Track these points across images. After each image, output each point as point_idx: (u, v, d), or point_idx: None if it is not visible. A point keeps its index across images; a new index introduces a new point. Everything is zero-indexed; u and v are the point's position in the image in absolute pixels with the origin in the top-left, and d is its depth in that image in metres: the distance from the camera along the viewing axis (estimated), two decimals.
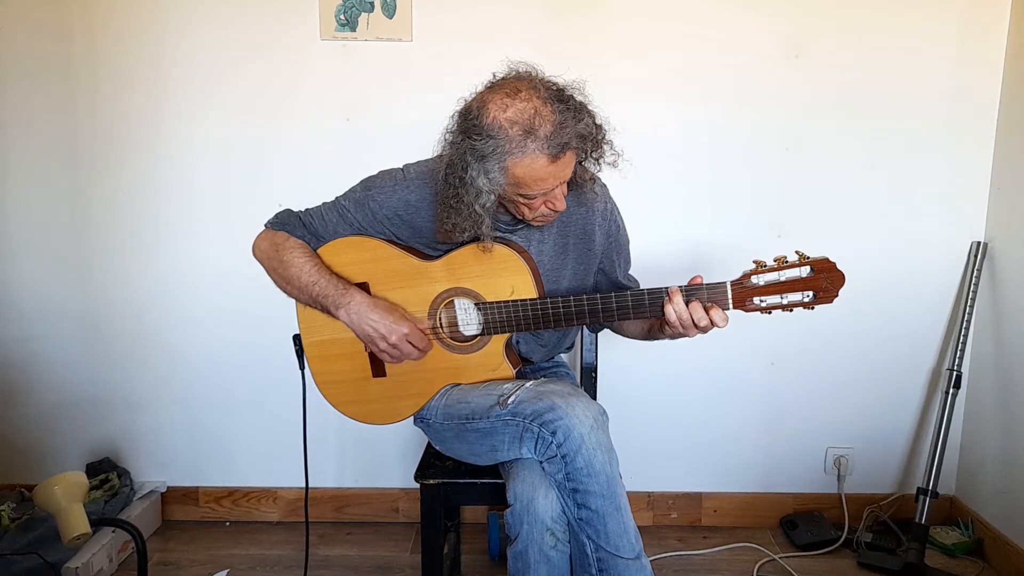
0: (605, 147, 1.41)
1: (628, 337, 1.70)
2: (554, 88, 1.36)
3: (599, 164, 1.45)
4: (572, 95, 1.37)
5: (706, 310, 1.39)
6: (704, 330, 1.41)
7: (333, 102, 2.18)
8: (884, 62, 2.13)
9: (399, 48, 2.15)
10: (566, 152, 1.34)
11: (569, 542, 1.39)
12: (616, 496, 1.36)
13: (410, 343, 1.50)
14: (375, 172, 1.58)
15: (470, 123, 1.34)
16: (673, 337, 1.49)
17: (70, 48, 2.16)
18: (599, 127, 1.39)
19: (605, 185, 1.60)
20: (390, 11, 2.13)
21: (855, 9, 2.12)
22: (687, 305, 1.39)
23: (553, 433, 1.35)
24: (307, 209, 1.61)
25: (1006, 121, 2.13)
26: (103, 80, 2.17)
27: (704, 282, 1.41)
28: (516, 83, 1.35)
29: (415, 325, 1.52)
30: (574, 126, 1.33)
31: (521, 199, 1.41)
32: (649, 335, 1.60)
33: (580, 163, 1.43)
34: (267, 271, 1.59)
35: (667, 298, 1.41)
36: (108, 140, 2.20)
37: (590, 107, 1.39)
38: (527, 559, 1.37)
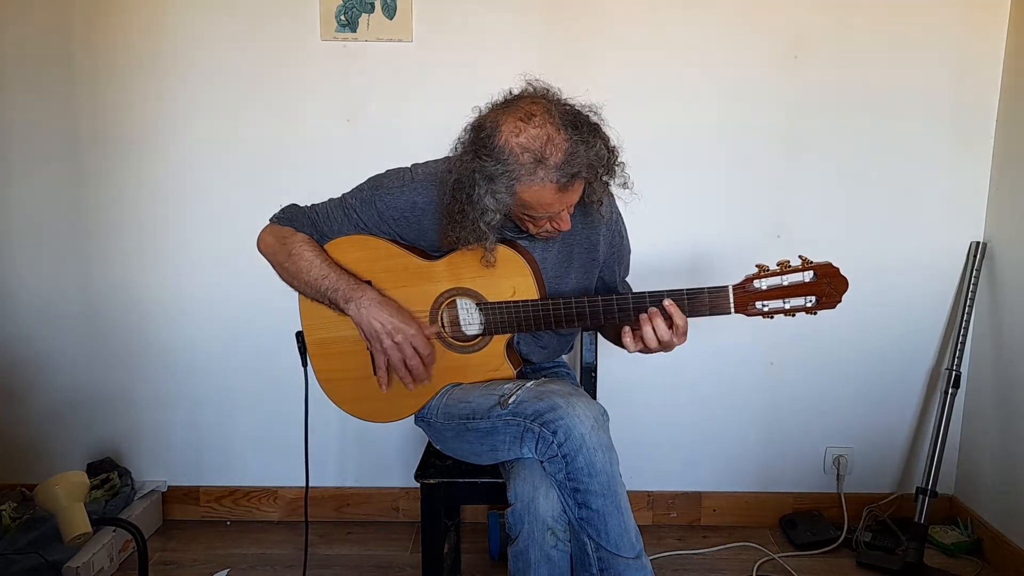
0: (616, 170, 1.41)
1: (604, 338, 1.69)
2: (569, 112, 1.35)
3: (608, 187, 1.44)
4: (588, 117, 1.37)
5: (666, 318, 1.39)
6: (679, 333, 1.40)
7: (333, 103, 2.18)
8: (884, 62, 2.14)
9: (399, 49, 2.15)
10: (575, 181, 1.35)
11: (570, 541, 1.40)
12: (617, 496, 1.36)
13: (413, 347, 1.49)
14: (381, 171, 1.58)
15: (481, 142, 1.34)
16: (642, 351, 1.46)
17: (71, 48, 2.16)
18: (612, 151, 1.38)
19: (612, 194, 1.58)
20: (390, 12, 2.13)
21: (855, 10, 2.12)
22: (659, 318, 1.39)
23: (554, 433, 1.35)
24: (313, 205, 1.61)
25: (1005, 121, 2.14)
26: (103, 80, 2.18)
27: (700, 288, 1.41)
28: (531, 106, 1.35)
29: (421, 329, 1.51)
30: (585, 154, 1.32)
31: (527, 217, 1.43)
32: (617, 341, 1.58)
33: (589, 184, 1.42)
34: (272, 264, 1.60)
35: (646, 316, 1.40)
36: (109, 140, 2.20)
37: (604, 130, 1.38)
38: (528, 558, 1.38)
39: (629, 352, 1.46)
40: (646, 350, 1.43)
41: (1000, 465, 2.14)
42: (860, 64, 2.14)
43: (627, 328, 1.44)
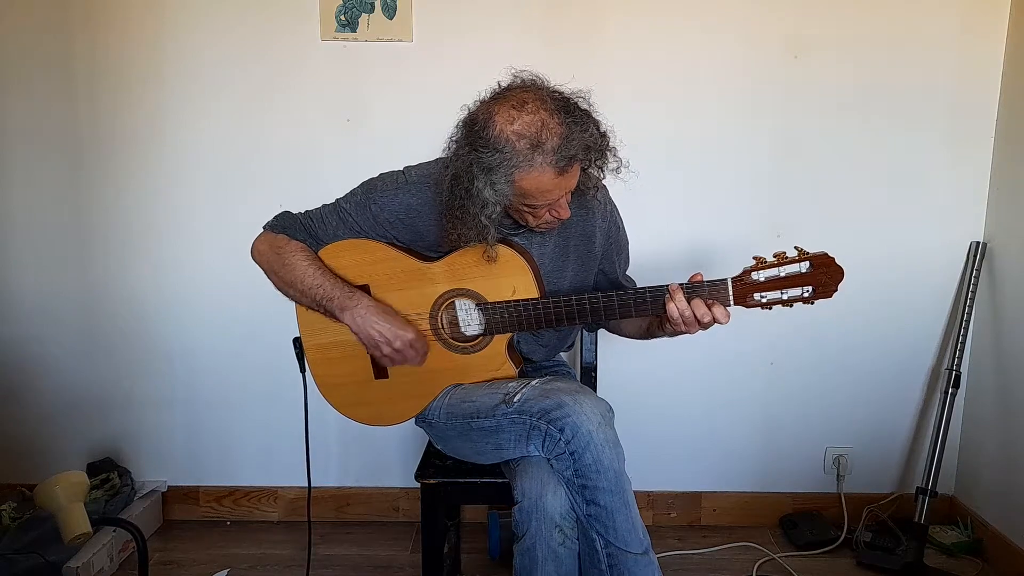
0: (609, 155, 1.41)
1: (626, 337, 1.70)
2: (560, 98, 1.36)
3: (603, 171, 1.45)
4: (578, 103, 1.37)
5: (708, 306, 1.40)
6: (706, 326, 1.42)
7: (333, 103, 2.18)
8: (884, 62, 2.14)
9: (399, 48, 2.15)
10: (573, 165, 1.35)
11: (577, 539, 1.40)
12: (624, 492, 1.37)
13: (412, 349, 1.50)
14: (376, 174, 1.58)
15: (476, 135, 1.34)
16: (673, 334, 1.49)
17: (71, 50, 2.16)
18: (604, 135, 1.39)
19: (605, 187, 1.59)
20: (390, 12, 2.13)
21: (855, 9, 2.12)
22: (689, 302, 1.40)
23: (561, 430, 1.35)
24: (307, 211, 1.60)
25: (1005, 121, 2.14)
26: (104, 82, 2.17)
27: (704, 279, 1.42)
28: (522, 94, 1.35)
29: (419, 331, 1.52)
30: (580, 136, 1.33)
31: (526, 208, 1.42)
32: (648, 333, 1.61)
33: (584, 171, 1.43)
34: (266, 273, 1.59)
35: (669, 296, 1.41)
36: (109, 141, 2.20)
37: (595, 115, 1.39)
38: (535, 556, 1.37)
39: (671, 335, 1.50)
40: (679, 327, 1.43)
41: (1000, 465, 2.14)
42: (860, 64, 2.14)
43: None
